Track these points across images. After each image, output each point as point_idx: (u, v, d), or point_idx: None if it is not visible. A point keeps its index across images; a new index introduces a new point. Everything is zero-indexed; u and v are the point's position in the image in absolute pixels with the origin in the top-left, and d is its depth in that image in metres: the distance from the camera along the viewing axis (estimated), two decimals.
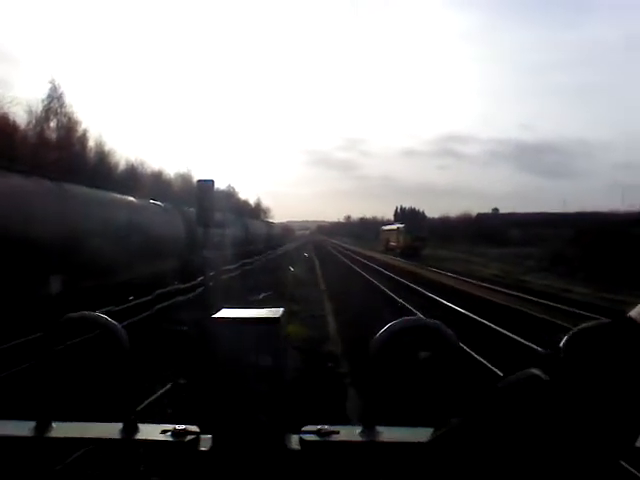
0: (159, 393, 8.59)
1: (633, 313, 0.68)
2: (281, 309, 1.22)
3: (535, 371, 0.67)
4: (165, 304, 15.94)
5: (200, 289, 19.24)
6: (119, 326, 1.18)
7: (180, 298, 17.58)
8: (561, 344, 0.68)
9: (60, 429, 1.23)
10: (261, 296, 20.43)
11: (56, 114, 35.77)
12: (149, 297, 15.32)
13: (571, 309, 15.89)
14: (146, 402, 7.92)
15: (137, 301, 14.72)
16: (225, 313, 1.19)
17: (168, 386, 9.05)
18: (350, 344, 11.77)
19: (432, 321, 1.20)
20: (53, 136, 35.61)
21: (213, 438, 1.18)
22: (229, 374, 1.16)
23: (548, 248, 36.80)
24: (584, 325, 0.69)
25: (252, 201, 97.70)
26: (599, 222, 39.13)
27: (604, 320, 0.73)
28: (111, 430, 1.21)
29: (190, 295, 18.35)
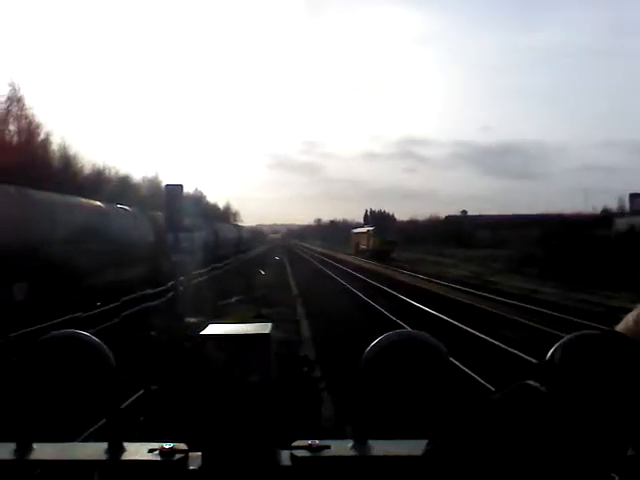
0: (130, 400, 8.43)
1: (620, 328, 0.69)
2: (269, 324, 1.21)
3: (531, 382, 0.66)
4: (133, 310, 15.67)
5: (170, 294, 18.98)
6: (105, 346, 1.15)
7: (149, 304, 17.30)
8: (552, 354, 0.69)
9: (42, 451, 1.19)
10: (233, 299, 20.25)
11: (16, 117, 34.75)
12: (117, 303, 15.05)
13: (540, 309, 16.18)
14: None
15: (104, 307, 14.45)
16: (213, 330, 1.17)
17: (140, 392, 8.90)
18: (325, 348, 11.76)
19: (420, 333, 1.21)
20: (14, 140, 34.57)
21: (202, 456, 1.16)
22: (218, 391, 1.14)
23: (516, 250, 37.45)
24: (574, 335, 0.70)
25: (221, 205, 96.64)
26: (564, 224, 40.09)
27: (593, 332, 0.73)
28: (96, 451, 1.18)
29: (158, 301, 18.06)
